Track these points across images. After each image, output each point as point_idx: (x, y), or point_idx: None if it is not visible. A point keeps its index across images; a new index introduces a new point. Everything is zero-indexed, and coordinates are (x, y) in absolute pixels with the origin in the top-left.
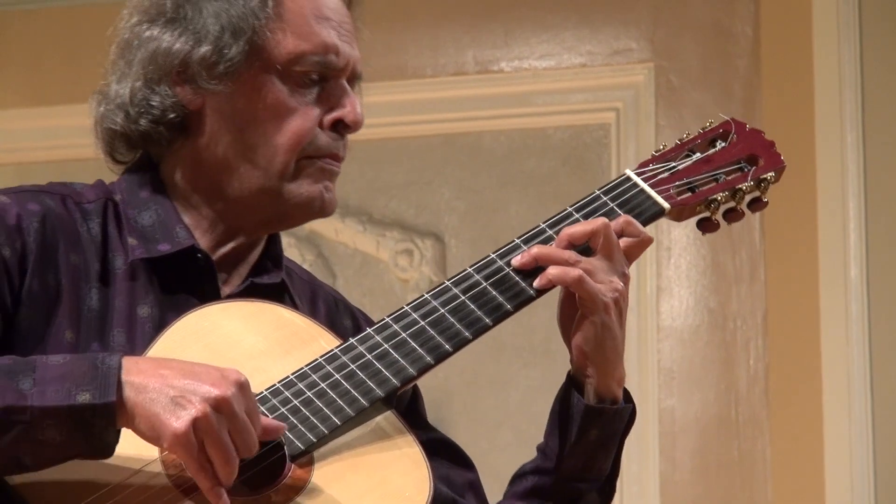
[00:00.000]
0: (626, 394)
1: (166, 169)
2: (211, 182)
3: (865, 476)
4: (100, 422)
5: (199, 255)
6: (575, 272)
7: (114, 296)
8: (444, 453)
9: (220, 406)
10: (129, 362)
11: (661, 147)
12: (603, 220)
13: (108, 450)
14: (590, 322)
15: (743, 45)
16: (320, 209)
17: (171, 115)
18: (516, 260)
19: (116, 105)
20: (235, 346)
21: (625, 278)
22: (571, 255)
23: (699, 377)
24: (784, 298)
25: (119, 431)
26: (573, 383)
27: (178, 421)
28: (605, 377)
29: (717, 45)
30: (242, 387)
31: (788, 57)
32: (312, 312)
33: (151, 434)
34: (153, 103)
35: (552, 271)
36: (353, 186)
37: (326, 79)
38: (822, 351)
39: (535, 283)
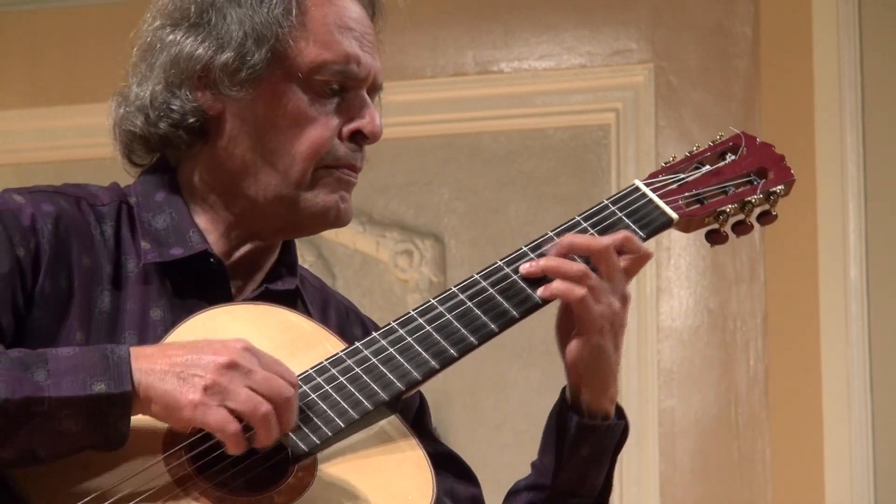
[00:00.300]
0: (619, 410)
1: (183, 172)
2: (228, 186)
3: (865, 476)
4: (116, 411)
5: (211, 259)
6: (580, 291)
7: (126, 299)
8: (449, 467)
9: (229, 368)
10: (136, 350)
11: (671, 159)
12: (605, 242)
13: (122, 440)
14: (584, 342)
15: (743, 46)
16: (335, 219)
17: (191, 120)
18: (524, 268)
19: (136, 108)
20: None
21: (624, 300)
22: (580, 269)
23: (699, 378)
24: (784, 299)
25: (130, 423)
26: (566, 399)
27: (192, 392)
28: (597, 395)
29: (717, 45)
30: (247, 347)
31: (788, 57)
32: (323, 320)
33: (167, 413)
34: (173, 107)
35: (558, 285)
36: None
37: (347, 89)
38: (821, 352)
39: (540, 293)
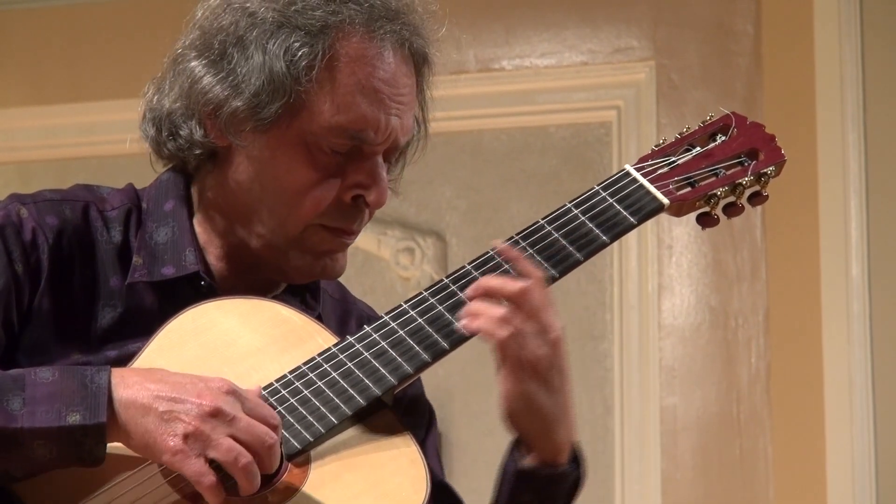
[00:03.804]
0: (576, 457)
1: (196, 183)
2: (229, 214)
3: (867, 474)
4: (90, 441)
5: (202, 283)
6: (501, 333)
7: (129, 311)
8: (438, 497)
9: (212, 416)
10: (117, 378)
11: (661, 141)
12: (522, 287)
13: (99, 462)
14: (511, 384)
15: (744, 44)
16: (321, 274)
17: (197, 151)
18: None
19: (154, 115)
20: (232, 345)
21: (552, 343)
22: (500, 314)
23: (701, 375)
24: (785, 296)
25: (106, 448)
26: (516, 439)
27: (172, 439)
28: (539, 442)
29: (719, 43)
30: (231, 391)
31: (790, 55)
32: (343, 332)
33: (146, 451)
34: (181, 133)
35: (480, 324)
36: None
37: (360, 151)
38: (823, 349)
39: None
